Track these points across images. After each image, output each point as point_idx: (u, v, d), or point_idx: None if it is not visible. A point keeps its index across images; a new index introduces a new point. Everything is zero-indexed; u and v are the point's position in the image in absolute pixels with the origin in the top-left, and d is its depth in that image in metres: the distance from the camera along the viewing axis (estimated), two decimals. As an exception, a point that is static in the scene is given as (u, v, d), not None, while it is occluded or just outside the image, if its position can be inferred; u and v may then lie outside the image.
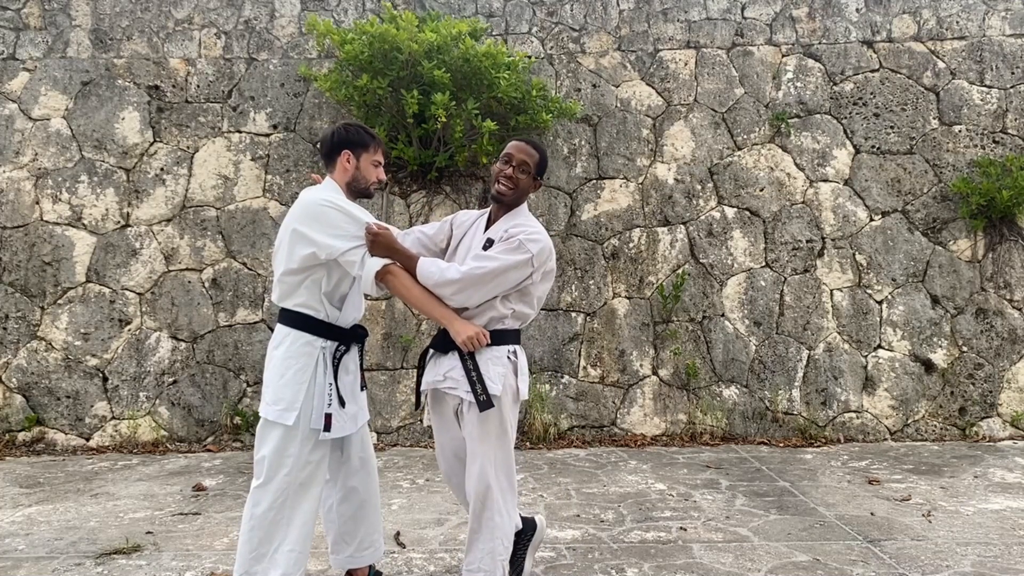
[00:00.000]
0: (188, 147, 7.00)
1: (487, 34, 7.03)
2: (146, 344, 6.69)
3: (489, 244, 3.01)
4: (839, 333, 6.75)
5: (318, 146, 3.26)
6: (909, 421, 6.60)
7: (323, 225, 2.90)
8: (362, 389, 3.20)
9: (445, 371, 3.01)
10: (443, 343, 3.05)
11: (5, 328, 6.69)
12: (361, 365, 3.19)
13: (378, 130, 6.56)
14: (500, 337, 2.98)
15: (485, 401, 2.89)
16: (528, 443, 6.31)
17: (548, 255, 2.98)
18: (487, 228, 3.13)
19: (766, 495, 4.90)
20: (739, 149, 7.03)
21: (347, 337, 3.07)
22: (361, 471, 3.25)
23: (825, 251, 6.85)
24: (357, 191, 3.15)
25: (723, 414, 6.60)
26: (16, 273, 6.77)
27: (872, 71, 7.09)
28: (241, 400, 6.60)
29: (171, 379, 6.65)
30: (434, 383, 3.07)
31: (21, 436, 6.51)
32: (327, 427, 2.94)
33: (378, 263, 2.89)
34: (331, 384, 2.97)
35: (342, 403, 3.00)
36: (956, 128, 6.97)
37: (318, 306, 2.99)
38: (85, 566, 3.76)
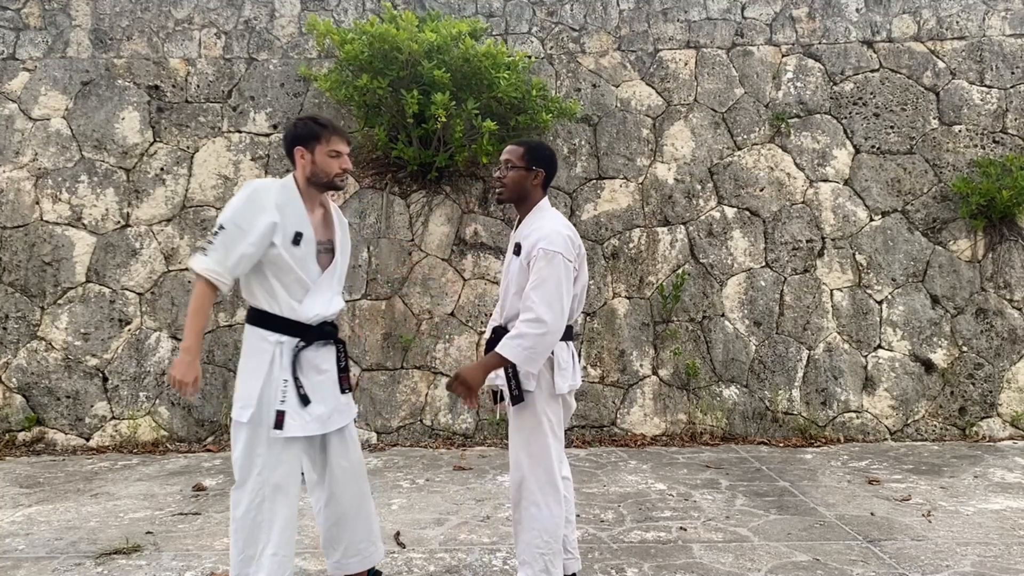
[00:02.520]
0: (188, 147, 7.00)
1: (487, 34, 7.03)
2: (146, 344, 6.69)
3: (517, 248, 3.09)
4: (839, 333, 6.74)
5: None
6: (909, 421, 6.60)
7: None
8: (344, 391, 3.11)
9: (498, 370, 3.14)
10: (491, 344, 3.17)
11: (5, 328, 6.69)
12: (343, 366, 3.11)
13: (378, 130, 6.57)
14: None
15: (516, 396, 3.00)
16: (528, 443, 6.30)
17: (566, 243, 2.99)
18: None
19: (766, 495, 4.90)
20: (739, 149, 7.03)
21: (310, 333, 2.98)
22: (342, 478, 3.15)
23: (825, 251, 6.85)
24: (321, 185, 3.05)
25: (723, 414, 6.60)
26: (16, 273, 6.77)
27: (872, 71, 7.09)
28: (241, 400, 6.59)
29: (171, 379, 6.64)
30: (491, 380, 3.17)
31: (21, 436, 6.51)
32: (278, 425, 2.86)
33: (200, 267, 2.86)
34: (285, 380, 2.90)
35: (305, 402, 2.92)
36: (956, 128, 6.97)
37: (272, 300, 2.94)
38: (85, 566, 3.76)
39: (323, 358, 3.05)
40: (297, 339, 2.95)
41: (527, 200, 3.18)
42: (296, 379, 2.92)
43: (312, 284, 2.99)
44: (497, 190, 3.22)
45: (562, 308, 2.92)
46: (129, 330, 6.72)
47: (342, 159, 3.04)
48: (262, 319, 2.96)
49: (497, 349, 2.92)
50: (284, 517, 2.90)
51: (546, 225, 3.04)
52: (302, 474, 3.12)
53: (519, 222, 3.24)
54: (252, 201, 2.89)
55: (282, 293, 2.93)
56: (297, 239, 2.94)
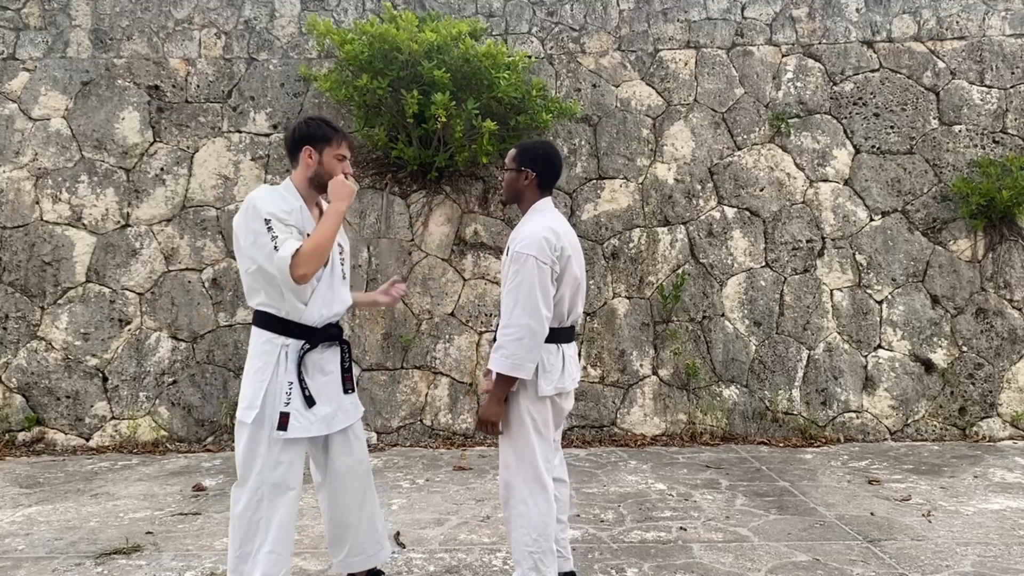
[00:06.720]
0: (188, 147, 7.00)
1: (487, 34, 7.03)
2: (146, 344, 6.69)
3: (508, 251, 3.12)
4: (839, 333, 6.74)
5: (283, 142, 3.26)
6: (909, 421, 6.60)
7: (248, 234, 2.91)
8: (347, 392, 3.13)
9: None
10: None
11: (5, 328, 6.69)
12: (347, 367, 3.13)
13: (378, 130, 6.56)
14: None
15: None
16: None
17: (541, 244, 2.96)
18: None
19: (766, 495, 4.90)
20: (739, 149, 7.03)
21: (316, 335, 3.01)
22: (347, 478, 3.17)
23: (825, 251, 6.85)
24: (321, 186, 3.10)
25: (723, 414, 6.60)
26: (16, 273, 6.77)
27: (872, 71, 7.09)
28: (241, 400, 6.59)
29: (171, 379, 6.65)
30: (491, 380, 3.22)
31: (21, 436, 6.51)
32: (282, 426, 2.89)
33: (291, 251, 2.83)
34: (291, 383, 2.92)
35: (310, 403, 2.95)
36: (956, 128, 6.97)
37: (279, 303, 2.95)
38: (85, 566, 3.76)
39: (328, 359, 3.08)
40: (302, 342, 2.98)
41: (523, 201, 3.20)
42: (301, 381, 2.95)
43: (317, 284, 3.02)
44: (502, 193, 3.28)
45: (537, 309, 2.91)
46: (129, 330, 6.72)
47: (345, 163, 3.10)
48: (268, 321, 2.99)
49: (488, 365, 2.99)
50: (282, 516, 2.92)
51: (527, 228, 3.05)
52: (306, 474, 3.13)
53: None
54: (273, 196, 2.98)
55: (289, 295, 2.94)
56: None
